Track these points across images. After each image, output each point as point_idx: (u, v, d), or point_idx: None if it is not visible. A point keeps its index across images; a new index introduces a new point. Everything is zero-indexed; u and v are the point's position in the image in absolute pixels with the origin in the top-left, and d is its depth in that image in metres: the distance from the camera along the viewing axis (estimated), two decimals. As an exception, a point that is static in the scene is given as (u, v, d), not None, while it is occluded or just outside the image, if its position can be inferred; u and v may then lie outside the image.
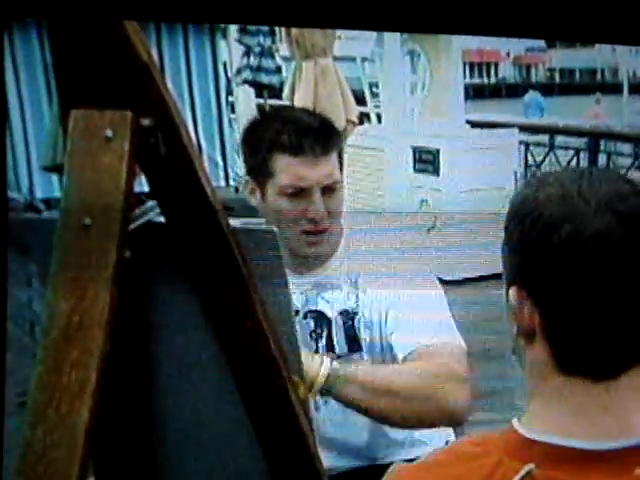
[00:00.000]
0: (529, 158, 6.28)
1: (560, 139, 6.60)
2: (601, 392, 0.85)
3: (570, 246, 0.82)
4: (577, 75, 30.94)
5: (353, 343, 1.54)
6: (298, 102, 5.12)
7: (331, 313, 1.54)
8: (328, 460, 1.57)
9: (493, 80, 25.94)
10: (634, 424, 0.85)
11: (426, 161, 5.43)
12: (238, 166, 5.62)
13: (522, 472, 0.84)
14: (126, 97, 1.02)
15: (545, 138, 6.45)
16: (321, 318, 1.54)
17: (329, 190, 1.47)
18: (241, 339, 1.15)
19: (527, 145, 6.30)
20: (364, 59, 7.67)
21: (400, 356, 1.52)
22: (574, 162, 5.81)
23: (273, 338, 1.15)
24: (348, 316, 1.54)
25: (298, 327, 1.52)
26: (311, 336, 1.54)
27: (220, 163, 5.37)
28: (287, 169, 1.44)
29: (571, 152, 6.19)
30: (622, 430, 0.85)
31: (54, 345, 0.98)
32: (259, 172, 1.47)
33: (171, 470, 1.24)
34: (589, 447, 0.84)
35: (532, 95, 12.05)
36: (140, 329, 1.18)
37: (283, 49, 5.94)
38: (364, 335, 1.55)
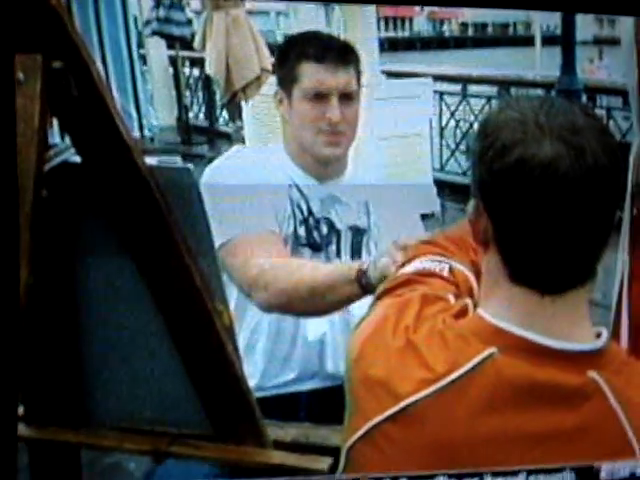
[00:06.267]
0: (443, 107, 6.40)
1: (474, 88, 6.73)
2: (547, 303, 0.92)
3: (519, 170, 0.87)
4: (490, 29, 31.21)
5: (355, 256, 1.74)
6: (210, 51, 5.11)
7: (340, 225, 1.74)
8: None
9: (407, 34, 26.03)
10: (581, 333, 0.93)
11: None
12: (152, 116, 5.59)
13: (485, 353, 0.91)
14: (36, 41, 1.04)
15: (458, 88, 6.58)
16: (332, 227, 1.74)
17: (346, 98, 1.68)
18: (164, 272, 1.20)
19: (441, 94, 6.41)
20: (279, 13, 7.63)
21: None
22: (486, 109, 5.96)
23: (195, 270, 1.20)
24: (358, 232, 1.75)
25: (315, 231, 1.71)
26: (323, 240, 1.74)
27: (134, 115, 5.34)
28: (311, 74, 1.67)
29: (484, 100, 6.31)
30: (572, 335, 0.92)
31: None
32: (287, 79, 1.70)
33: (97, 384, 1.29)
34: (547, 343, 0.91)
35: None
36: (65, 261, 1.22)
37: (195, 3, 5.91)
38: (368, 252, 1.74)
